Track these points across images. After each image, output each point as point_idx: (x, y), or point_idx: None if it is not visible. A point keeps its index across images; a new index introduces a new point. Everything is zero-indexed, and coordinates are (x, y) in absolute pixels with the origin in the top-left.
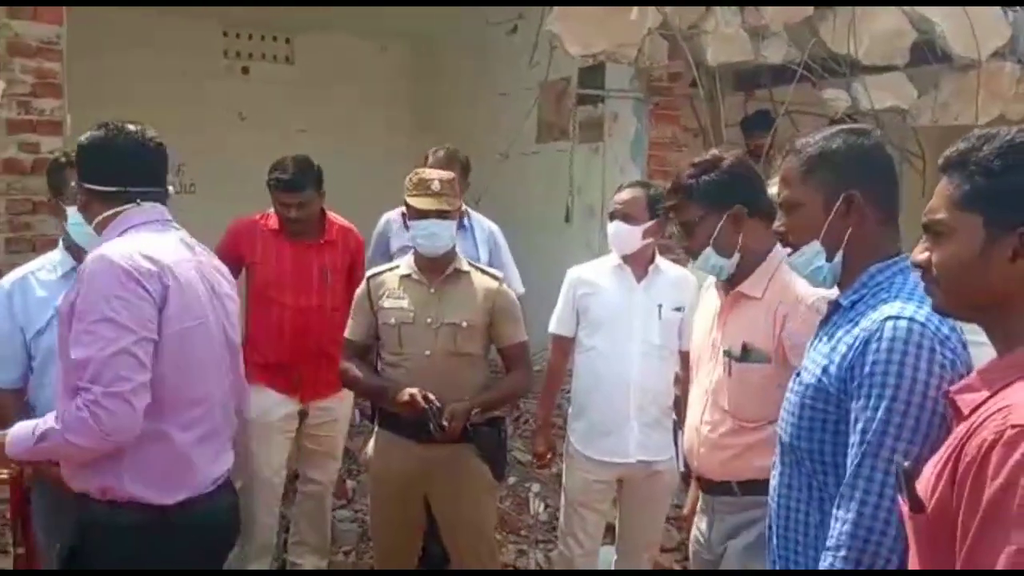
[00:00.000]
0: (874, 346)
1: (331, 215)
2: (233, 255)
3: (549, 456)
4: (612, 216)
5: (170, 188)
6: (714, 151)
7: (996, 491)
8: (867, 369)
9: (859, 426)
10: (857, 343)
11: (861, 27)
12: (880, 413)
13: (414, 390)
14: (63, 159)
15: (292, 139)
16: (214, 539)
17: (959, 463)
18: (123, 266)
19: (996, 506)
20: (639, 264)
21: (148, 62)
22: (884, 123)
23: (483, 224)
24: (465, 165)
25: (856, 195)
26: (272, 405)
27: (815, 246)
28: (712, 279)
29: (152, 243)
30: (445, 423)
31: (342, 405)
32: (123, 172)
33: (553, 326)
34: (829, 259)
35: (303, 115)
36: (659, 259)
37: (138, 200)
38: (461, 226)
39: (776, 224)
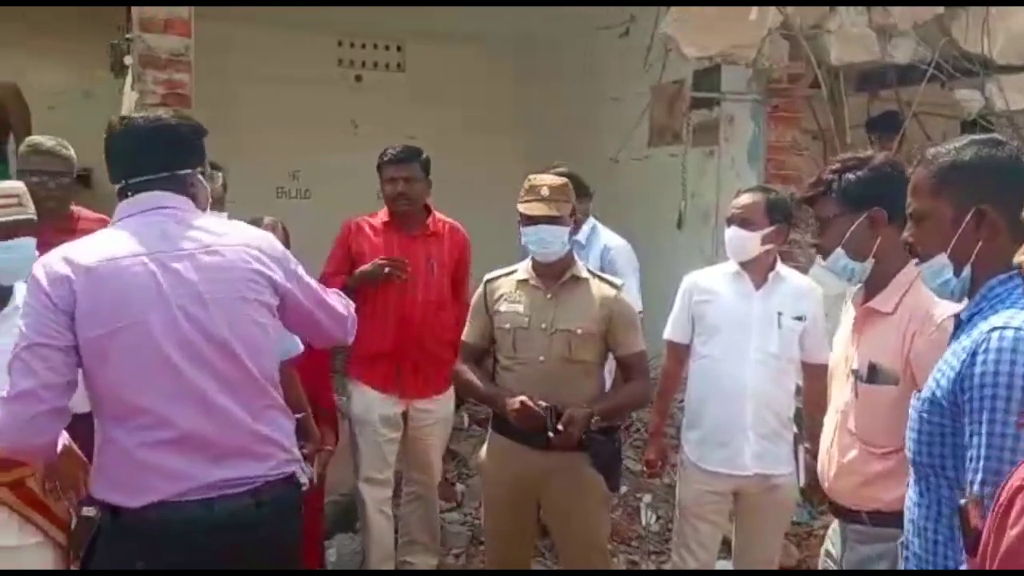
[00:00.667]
0: (980, 358)
1: (437, 213)
2: (345, 251)
3: (660, 465)
4: (730, 221)
5: (186, 170)
6: (869, 151)
7: (1013, 540)
8: (976, 381)
9: (974, 440)
10: (966, 355)
11: (995, 25)
12: (997, 427)
13: (524, 397)
14: None
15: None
16: (211, 543)
17: (996, 505)
18: (35, 274)
19: (1012, 555)
20: (758, 271)
21: (268, 72)
22: (1020, 125)
23: (601, 239)
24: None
25: (987, 210)
26: (373, 403)
27: (942, 259)
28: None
29: (99, 240)
30: (561, 427)
31: (443, 406)
32: (122, 167)
33: (668, 332)
34: (957, 273)
35: (414, 122)
36: (780, 266)
37: (129, 192)
38: (576, 242)
39: (904, 234)
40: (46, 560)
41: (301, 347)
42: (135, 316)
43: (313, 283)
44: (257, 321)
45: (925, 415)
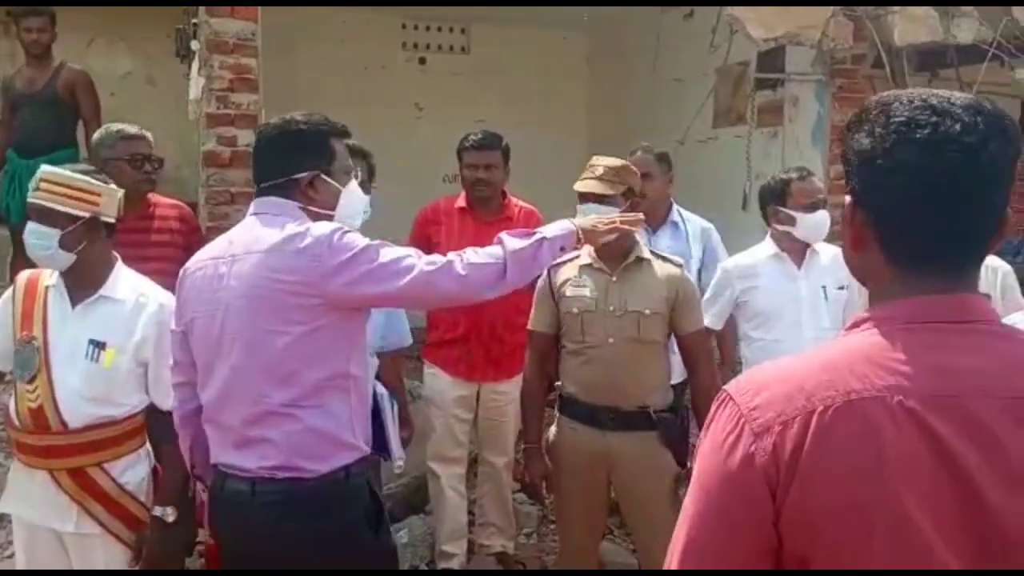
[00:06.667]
0: None
1: (512, 198)
2: (422, 238)
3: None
4: (814, 207)
5: (301, 174)
6: None
7: None
8: None
9: None
10: None
11: None
12: None
13: (541, 480)
14: None
15: (469, 129)
16: (222, 512)
17: None
18: None
19: None
20: (797, 250)
21: (334, 57)
22: None
23: (697, 222)
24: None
25: None
26: (446, 386)
27: None
28: None
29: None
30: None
31: (517, 388)
32: (254, 171)
33: (707, 320)
34: None
35: (479, 105)
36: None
37: (259, 196)
38: (672, 223)
39: None
40: (109, 552)
41: (408, 341)
42: (190, 314)
43: (373, 267)
44: (270, 328)
45: None
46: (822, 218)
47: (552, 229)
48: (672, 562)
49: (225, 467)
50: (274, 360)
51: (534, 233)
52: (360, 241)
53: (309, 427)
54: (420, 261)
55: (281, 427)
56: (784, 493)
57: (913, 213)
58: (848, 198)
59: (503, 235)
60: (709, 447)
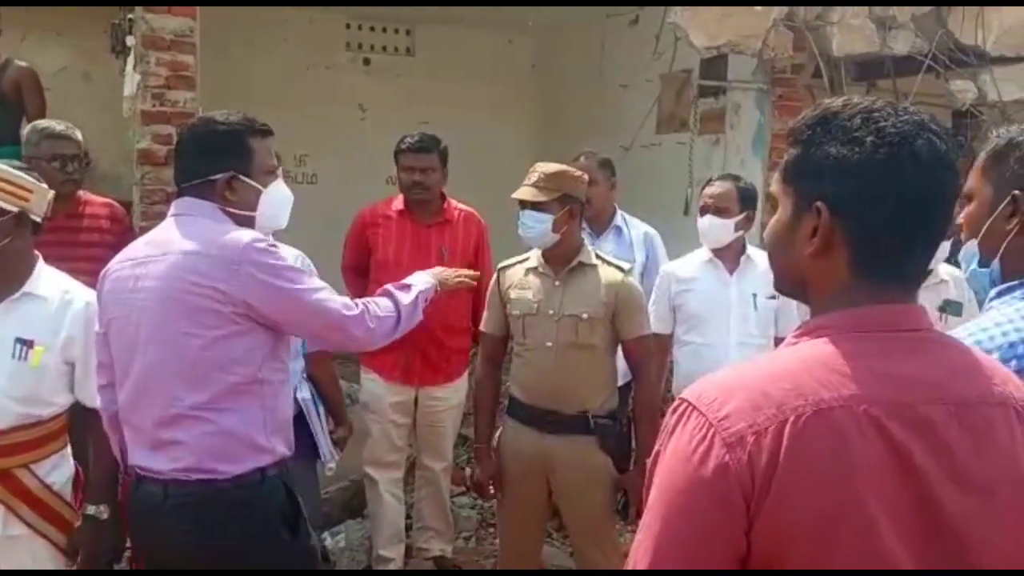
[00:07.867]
0: None
1: (453, 201)
2: (360, 240)
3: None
4: (704, 210)
5: (218, 175)
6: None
7: None
8: None
9: None
10: None
11: (990, 18)
12: None
13: (489, 480)
14: None
15: (412, 130)
16: (139, 515)
17: None
18: None
19: None
20: (731, 257)
21: (275, 56)
22: (1011, 115)
23: (640, 227)
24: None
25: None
26: (383, 391)
27: (971, 246)
28: None
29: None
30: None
31: (455, 394)
32: (175, 172)
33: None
34: (984, 264)
35: (423, 107)
36: (750, 249)
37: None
38: (616, 228)
39: (959, 215)
40: (36, 554)
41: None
42: (108, 316)
43: (292, 289)
44: (184, 331)
45: None
46: (704, 223)
47: (420, 282)
48: (638, 567)
49: (141, 469)
50: (187, 363)
51: (411, 287)
52: (280, 258)
53: (221, 429)
54: (336, 301)
55: (191, 429)
56: (759, 504)
57: (899, 223)
58: (820, 205)
59: (391, 289)
60: (675, 457)
